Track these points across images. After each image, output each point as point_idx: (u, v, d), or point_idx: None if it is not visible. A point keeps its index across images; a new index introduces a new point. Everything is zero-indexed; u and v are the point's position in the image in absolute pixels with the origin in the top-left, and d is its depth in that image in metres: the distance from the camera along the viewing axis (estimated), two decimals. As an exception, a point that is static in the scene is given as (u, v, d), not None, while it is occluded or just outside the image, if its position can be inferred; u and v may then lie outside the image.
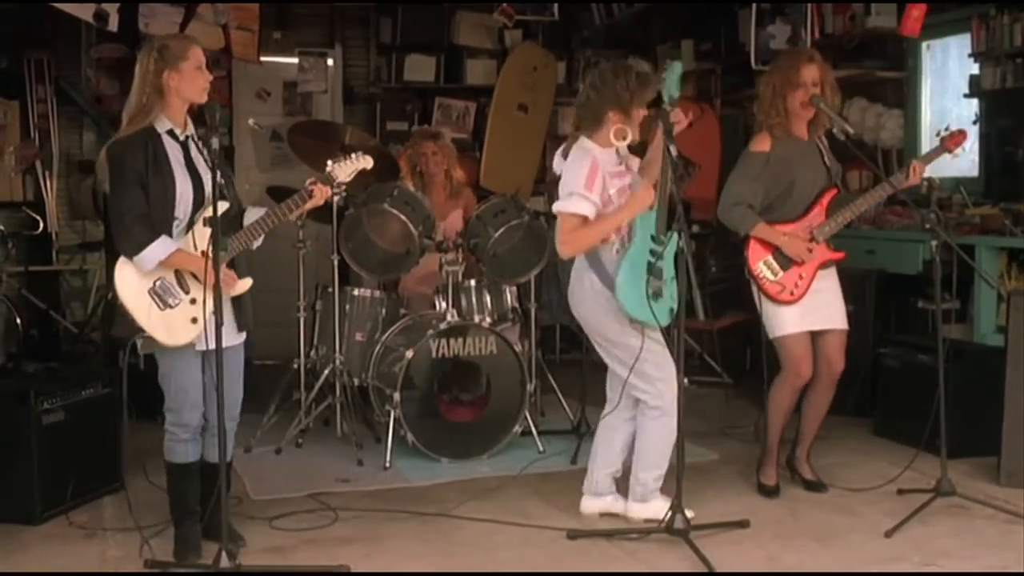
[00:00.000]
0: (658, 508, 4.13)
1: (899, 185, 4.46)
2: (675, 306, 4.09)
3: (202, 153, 3.75)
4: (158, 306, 3.67)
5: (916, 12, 5.86)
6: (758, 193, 4.45)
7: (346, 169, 3.91)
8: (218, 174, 3.68)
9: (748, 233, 4.45)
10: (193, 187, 3.71)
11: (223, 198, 3.69)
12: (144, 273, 3.64)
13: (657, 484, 4.23)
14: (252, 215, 3.83)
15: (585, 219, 4.04)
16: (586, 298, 4.17)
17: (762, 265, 4.46)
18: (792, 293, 4.44)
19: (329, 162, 3.91)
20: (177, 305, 3.68)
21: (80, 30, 7.22)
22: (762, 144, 4.48)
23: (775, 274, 4.45)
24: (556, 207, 4.11)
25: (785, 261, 4.44)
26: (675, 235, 4.00)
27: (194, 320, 3.67)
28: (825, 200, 4.49)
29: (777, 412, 4.57)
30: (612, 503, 4.34)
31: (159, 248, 3.61)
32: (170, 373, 3.76)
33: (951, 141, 4.49)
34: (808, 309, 4.45)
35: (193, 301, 3.68)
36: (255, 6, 6.88)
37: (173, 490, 3.90)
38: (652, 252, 4.05)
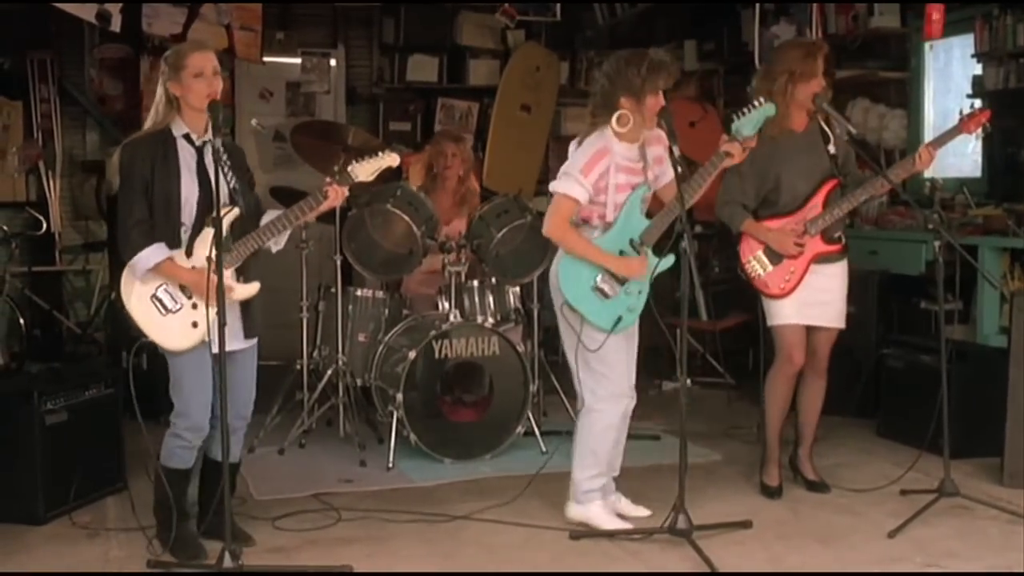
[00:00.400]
0: (595, 515, 4.15)
1: (903, 174, 4.42)
2: (625, 318, 4.07)
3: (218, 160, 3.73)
4: (159, 311, 3.69)
5: (936, 15, 5.82)
6: (747, 190, 4.47)
7: (368, 168, 3.83)
8: (231, 177, 3.70)
9: (739, 230, 4.49)
10: (200, 192, 3.71)
11: (236, 204, 3.70)
12: (145, 279, 3.67)
13: (592, 485, 4.18)
14: (268, 219, 3.82)
15: (577, 203, 4.03)
16: (554, 272, 4.18)
17: (752, 260, 4.49)
18: (781, 288, 4.46)
19: (354, 161, 3.84)
20: (179, 310, 3.70)
21: (83, 30, 7.21)
22: None
23: (764, 269, 4.48)
24: (551, 186, 4.10)
25: (775, 256, 4.46)
26: (668, 258, 4.02)
27: (195, 324, 3.68)
28: (823, 192, 4.47)
29: (773, 404, 4.59)
30: (613, 503, 4.34)
31: (150, 254, 3.64)
32: (182, 375, 3.75)
33: (971, 120, 4.40)
34: (805, 303, 4.46)
35: (195, 306, 3.69)
36: (258, 6, 6.89)
37: (171, 494, 3.86)
38: (621, 252, 4.06)
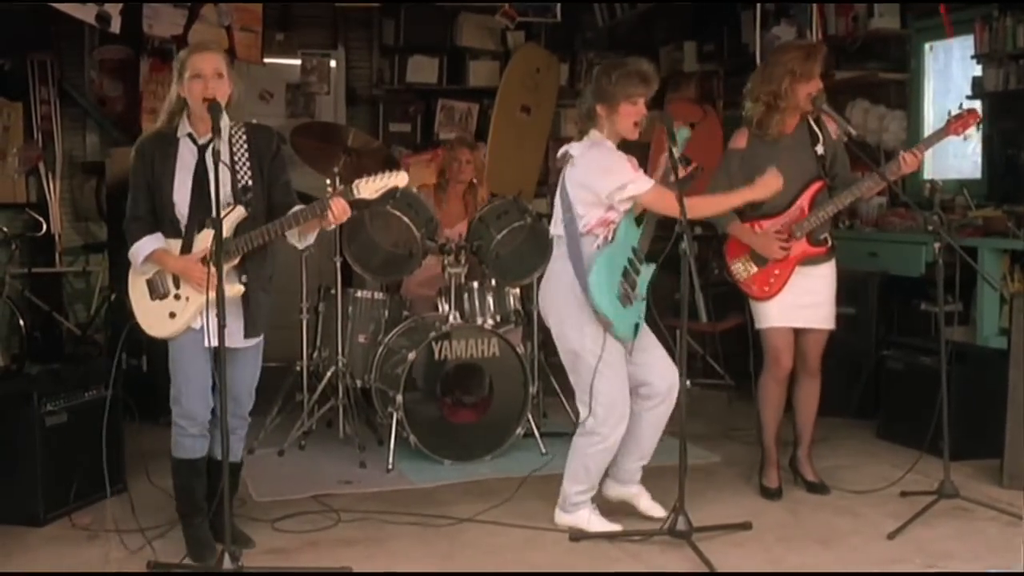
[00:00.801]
0: (583, 521, 4.15)
1: (890, 177, 4.40)
2: (640, 323, 4.10)
3: (227, 159, 3.71)
4: (148, 296, 3.78)
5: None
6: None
7: (374, 186, 3.71)
8: (243, 174, 3.72)
9: (725, 231, 4.51)
10: (195, 191, 3.72)
11: (241, 202, 3.70)
12: (147, 269, 3.77)
13: (580, 499, 4.19)
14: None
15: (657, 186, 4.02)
16: (558, 291, 4.12)
17: (737, 262, 4.50)
18: (764, 290, 4.47)
19: (366, 176, 3.73)
20: (164, 299, 3.76)
21: (83, 32, 7.22)
22: (738, 141, 4.50)
23: (748, 271, 4.48)
24: (632, 191, 3.98)
25: (760, 259, 4.46)
26: (654, 266, 4.06)
27: (172, 315, 3.74)
28: (809, 194, 4.46)
29: (767, 407, 4.60)
30: (636, 494, 4.33)
31: (145, 243, 3.73)
32: (173, 362, 3.81)
33: (958, 123, 4.37)
34: (790, 305, 4.46)
35: (177, 297, 3.75)
36: (258, 7, 6.90)
37: (180, 486, 3.90)
38: (629, 261, 4.06)
